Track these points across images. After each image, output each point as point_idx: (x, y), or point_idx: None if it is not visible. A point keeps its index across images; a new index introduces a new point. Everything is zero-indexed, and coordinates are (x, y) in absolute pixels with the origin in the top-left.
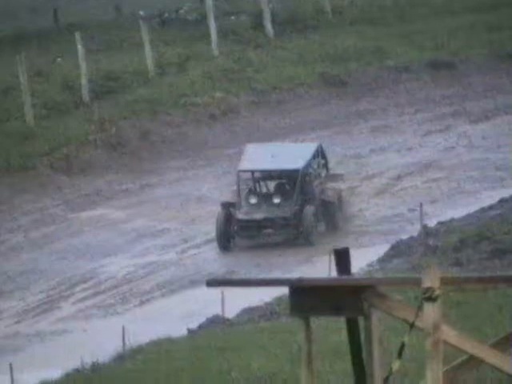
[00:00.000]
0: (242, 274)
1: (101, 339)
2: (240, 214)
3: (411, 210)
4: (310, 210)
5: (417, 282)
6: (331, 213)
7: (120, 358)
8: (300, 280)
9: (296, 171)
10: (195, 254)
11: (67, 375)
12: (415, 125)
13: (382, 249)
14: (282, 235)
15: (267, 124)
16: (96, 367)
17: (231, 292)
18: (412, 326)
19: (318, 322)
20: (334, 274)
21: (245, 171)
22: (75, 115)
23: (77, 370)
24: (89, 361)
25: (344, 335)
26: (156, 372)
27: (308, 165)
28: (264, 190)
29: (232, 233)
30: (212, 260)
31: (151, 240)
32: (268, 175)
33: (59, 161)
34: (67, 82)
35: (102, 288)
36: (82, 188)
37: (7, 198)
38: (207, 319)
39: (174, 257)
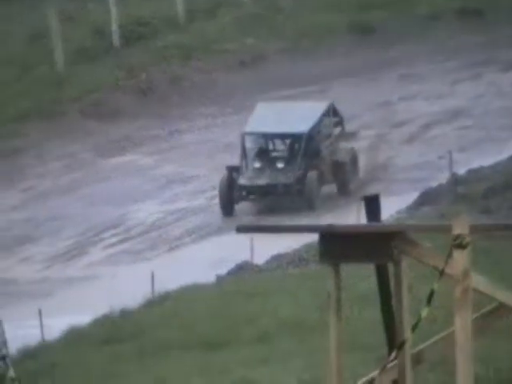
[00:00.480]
0: (271, 220)
1: (129, 285)
2: (242, 179)
3: (440, 158)
4: (313, 175)
5: (447, 229)
6: (343, 173)
7: (148, 304)
8: (330, 226)
9: (301, 135)
10: None
11: (96, 320)
12: (444, 73)
13: (411, 196)
14: (284, 201)
15: (296, 71)
16: (125, 312)
17: (260, 238)
18: (442, 273)
19: (348, 269)
20: (363, 221)
21: (249, 134)
22: (105, 61)
23: (106, 316)
24: (117, 306)
25: (373, 282)
26: (184, 318)
27: (315, 126)
28: (271, 152)
29: (235, 198)
30: (241, 206)
31: (180, 186)
32: (274, 137)
33: (89, 106)
34: (97, 28)
35: (131, 234)
36: (112, 134)
37: (37, 143)
38: (236, 265)
39: (204, 203)
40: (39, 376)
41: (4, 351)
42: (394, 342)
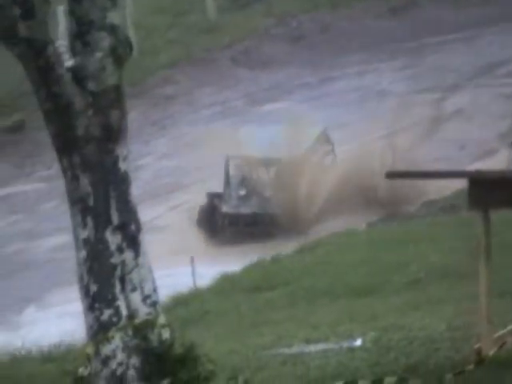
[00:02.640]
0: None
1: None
2: (226, 207)
3: None
4: None
5: None
6: None
7: (300, 251)
8: (479, 173)
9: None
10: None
11: (247, 267)
12: None
13: None
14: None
15: (447, 18)
16: (276, 259)
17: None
18: None
19: (497, 215)
20: None
21: (235, 157)
22: (256, 9)
23: (257, 263)
24: (269, 253)
25: None
26: (334, 264)
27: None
28: (258, 178)
29: (217, 227)
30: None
31: (333, 133)
32: (262, 163)
33: (240, 54)
34: None
35: None
36: (262, 81)
37: (188, 90)
38: (386, 213)
39: (357, 147)
40: (190, 323)
41: (154, 298)
42: None
